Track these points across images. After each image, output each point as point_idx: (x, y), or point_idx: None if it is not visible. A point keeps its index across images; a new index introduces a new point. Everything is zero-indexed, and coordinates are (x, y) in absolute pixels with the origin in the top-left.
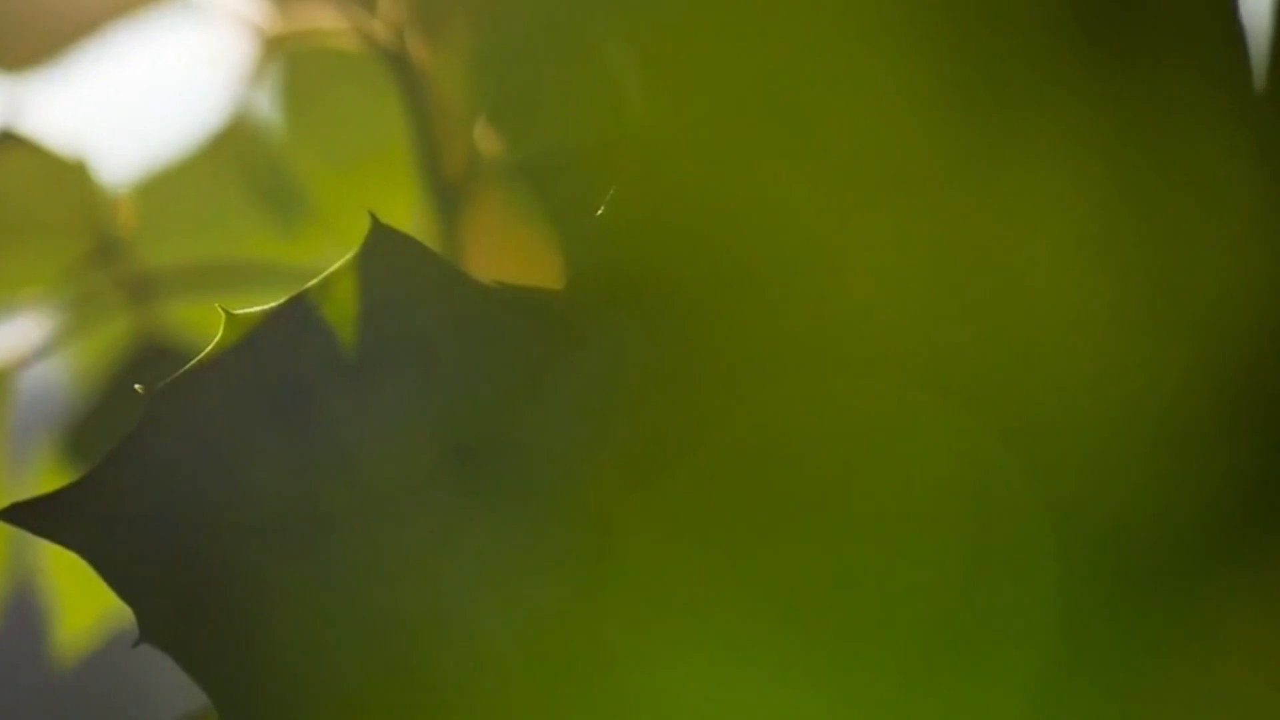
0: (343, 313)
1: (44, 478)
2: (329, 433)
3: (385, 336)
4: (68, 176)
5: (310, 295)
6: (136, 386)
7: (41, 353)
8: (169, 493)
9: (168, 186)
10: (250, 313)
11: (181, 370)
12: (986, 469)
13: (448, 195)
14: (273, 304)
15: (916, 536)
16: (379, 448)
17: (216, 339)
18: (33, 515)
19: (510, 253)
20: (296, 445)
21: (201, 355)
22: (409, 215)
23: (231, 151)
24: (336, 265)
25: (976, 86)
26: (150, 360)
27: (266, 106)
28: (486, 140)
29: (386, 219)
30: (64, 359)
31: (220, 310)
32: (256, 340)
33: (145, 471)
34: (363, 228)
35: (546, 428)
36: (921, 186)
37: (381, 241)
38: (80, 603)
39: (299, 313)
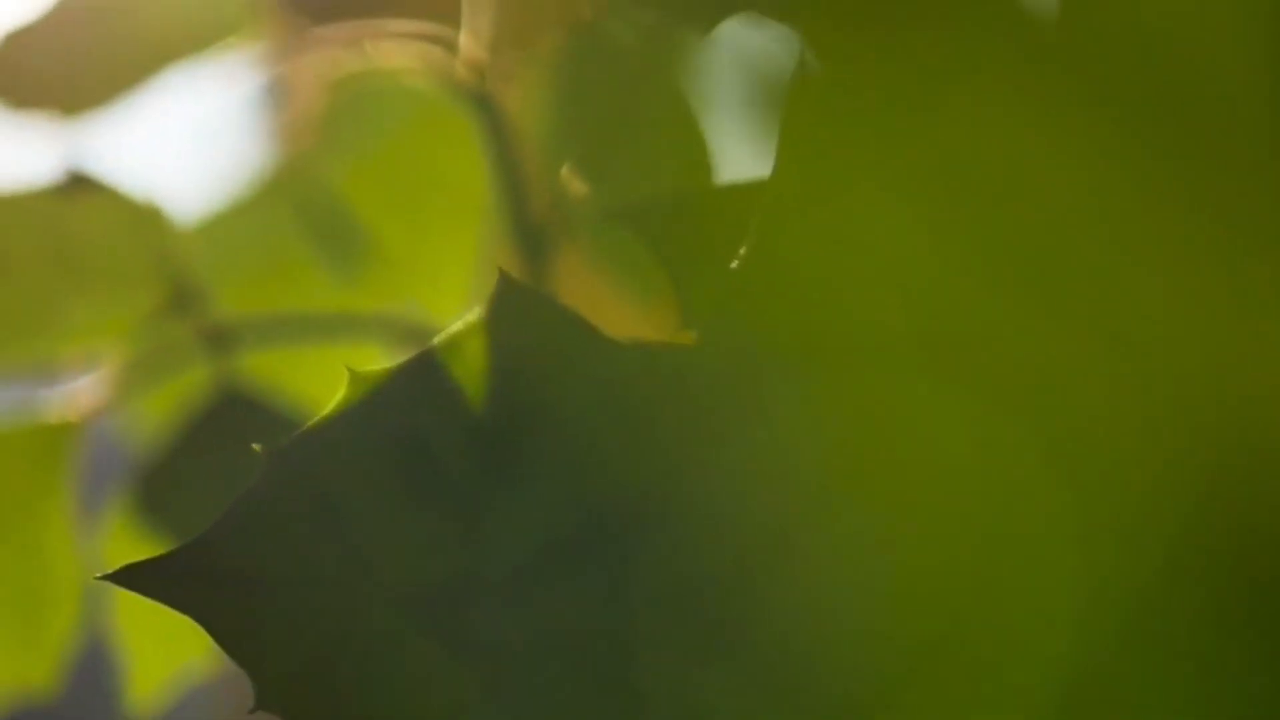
0: (471, 370)
1: (117, 532)
2: (457, 495)
3: (516, 396)
4: (141, 222)
5: (437, 352)
6: (255, 446)
7: (114, 403)
8: (287, 554)
9: (225, 231)
10: (374, 371)
11: (303, 428)
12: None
13: (534, 239)
14: (397, 361)
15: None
16: (511, 513)
17: (339, 397)
18: (145, 577)
19: (598, 300)
20: (423, 508)
21: (324, 413)
22: (474, 261)
23: (292, 194)
24: (464, 321)
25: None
26: (228, 411)
27: (330, 148)
28: (573, 183)
29: (454, 265)
30: (138, 410)
31: (345, 368)
32: (380, 398)
33: (263, 532)
34: (427, 273)
35: (686, 491)
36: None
37: (510, 296)
38: (154, 662)
39: (425, 370)
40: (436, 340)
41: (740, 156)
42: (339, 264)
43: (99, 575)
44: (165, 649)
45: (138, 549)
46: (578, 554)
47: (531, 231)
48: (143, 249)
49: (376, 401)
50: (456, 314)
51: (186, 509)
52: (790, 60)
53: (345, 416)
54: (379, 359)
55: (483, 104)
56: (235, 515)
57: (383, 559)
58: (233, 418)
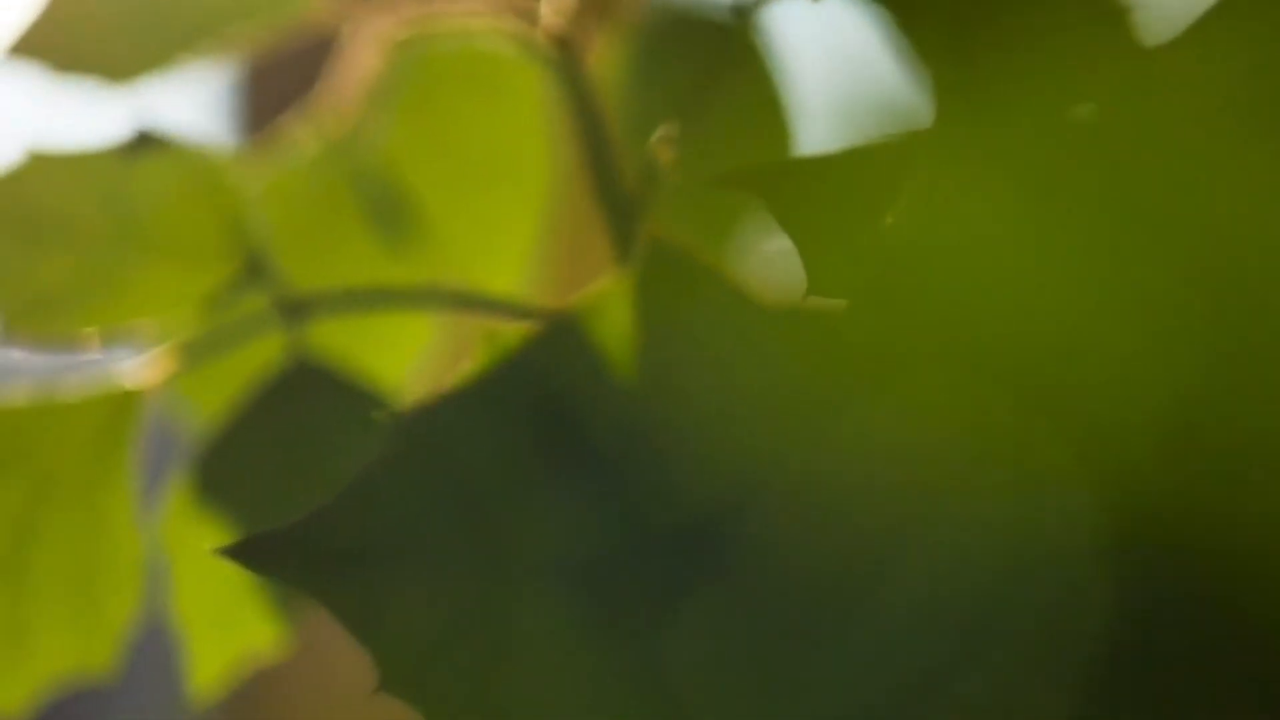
0: (615, 334)
1: (177, 508)
2: (600, 465)
3: (662, 360)
4: (207, 187)
5: (578, 315)
6: (375, 414)
7: (180, 374)
8: (416, 528)
9: (275, 197)
10: (509, 333)
11: (430, 395)
12: None
13: (624, 208)
14: (534, 323)
15: None
16: (656, 483)
17: (472, 361)
18: (260, 552)
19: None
20: (563, 479)
21: (455, 379)
22: (531, 236)
23: (343, 161)
24: (607, 281)
25: None
26: (299, 382)
27: (384, 113)
28: (664, 151)
29: (509, 239)
30: (204, 381)
31: (481, 330)
32: (517, 364)
33: (389, 505)
34: (479, 246)
35: (838, 458)
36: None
37: (659, 258)
38: (216, 645)
39: (565, 334)
40: (577, 302)
41: (820, 126)
42: (387, 233)
43: (217, 549)
44: (228, 632)
45: (199, 526)
46: (722, 526)
47: (621, 200)
48: (211, 215)
49: (513, 367)
50: (510, 289)
51: (254, 483)
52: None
53: (479, 383)
54: (433, 330)
55: (565, 71)
56: (359, 487)
57: (520, 532)
58: (304, 389)
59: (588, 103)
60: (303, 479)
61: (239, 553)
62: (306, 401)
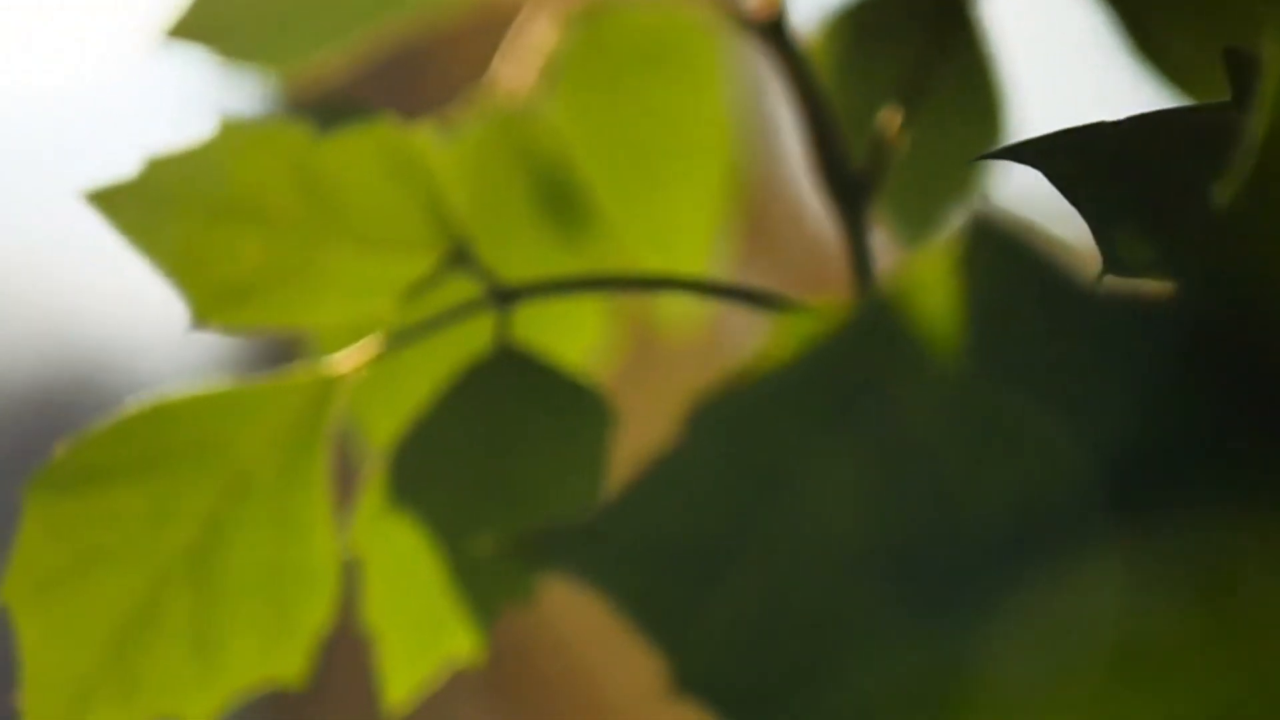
0: (934, 314)
1: (371, 503)
2: (917, 454)
3: (991, 345)
4: (403, 165)
5: (892, 291)
6: (690, 403)
7: (380, 364)
8: (715, 520)
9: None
10: (807, 320)
11: (730, 379)
12: None
13: (854, 188)
14: (841, 302)
15: None
16: (982, 474)
17: (770, 343)
18: (549, 547)
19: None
20: (876, 468)
21: (759, 362)
22: (710, 223)
23: (514, 140)
24: (924, 258)
25: None
26: (506, 370)
27: (558, 91)
28: (892, 129)
29: (687, 226)
30: (401, 370)
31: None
32: (831, 347)
33: (686, 495)
34: (655, 232)
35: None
36: None
37: (987, 236)
38: (412, 653)
39: (883, 315)
40: (895, 281)
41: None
42: (559, 217)
43: (514, 547)
44: (424, 638)
45: (395, 524)
46: (1055, 519)
47: (850, 181)
48: (413, 198)
49: (826, 350)
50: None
51: (454, 477)
52: None
53: (786, 371)
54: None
55: (781, 49)
56: (657, 479)
57: (835, 522)
58: (510, 378)
59: (809, 81)
60: (505, 472)
61: (525, 549)
62: (512, 390)
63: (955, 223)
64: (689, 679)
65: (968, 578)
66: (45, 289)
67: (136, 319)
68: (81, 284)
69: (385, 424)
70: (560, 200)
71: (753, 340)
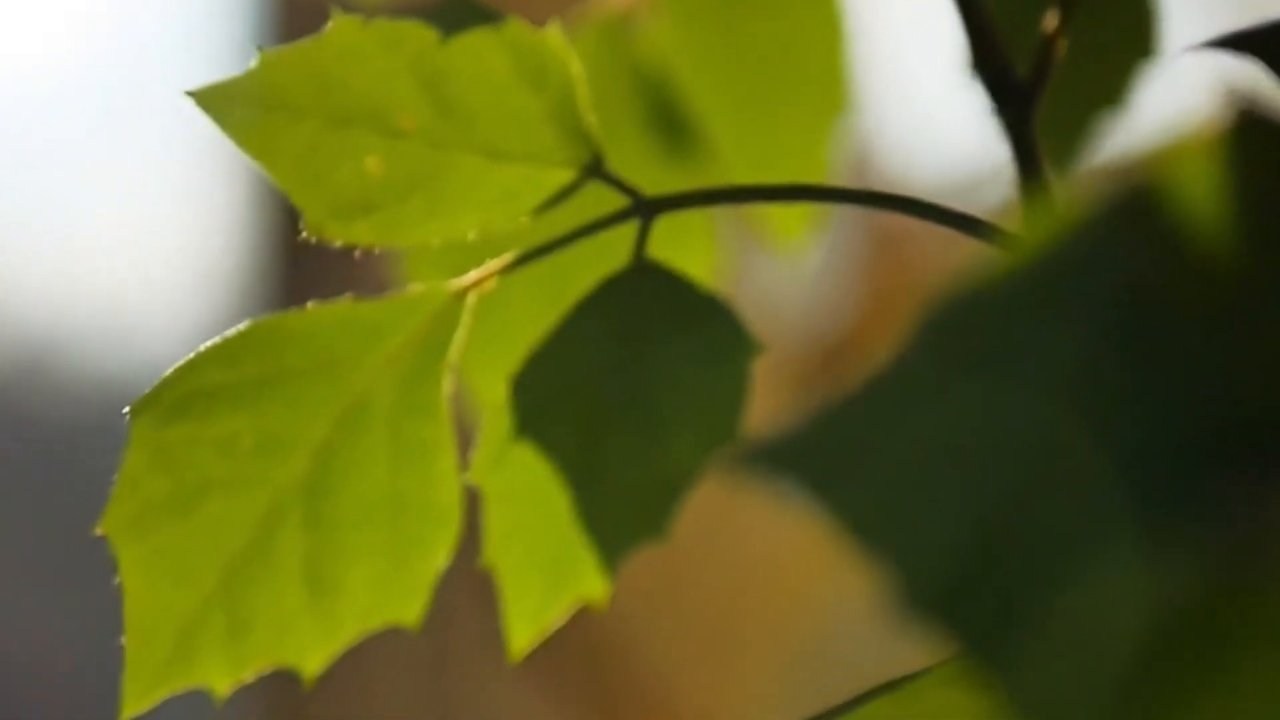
0: (1196, 207)
1: (496, 432)
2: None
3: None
4: (535, 66)
5: (1145, 184)
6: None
7: (511, 281)
8: (945, 428)
9: None
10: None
11: (956, 285)
12: None
13: (1019, 97)
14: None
15: None
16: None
17: (1004, 247)
18: (766, 459)
19: None
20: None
21: (999, 266)
22: (824, 156)
23: (618, 60)
24: (1178, 149)
25: None
26: (643, 286)
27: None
28: (1056, 35)
29: (803, 145)
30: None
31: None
32: (1083, 243)
33: (914, 403)
34: (767, 152)
35: None
36: None
37: (1250, 123)
38: (536, 599)
39: (1141, 209)
40: (1147, 174)
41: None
42: (659, 134)
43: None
44: (551, 579)
45: (520, 456)
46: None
47: (1014, 90)
48: (547, 104)
49: (1072, 247)
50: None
51: (585, 399)
52: None
53: (1030, 264)
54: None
55: None
56: (883, 384)
57: (1087, 428)
58: (646, 293)
59: None
60: (638, 399)
61: (740, 462)
62: (650, 308)
63: (1211, 112)
64: (918, 597)
65: (1215, 497)
66: None
67: (89, 305)
68: (31, 269)
69: (503, 350)
70: (663, 117)
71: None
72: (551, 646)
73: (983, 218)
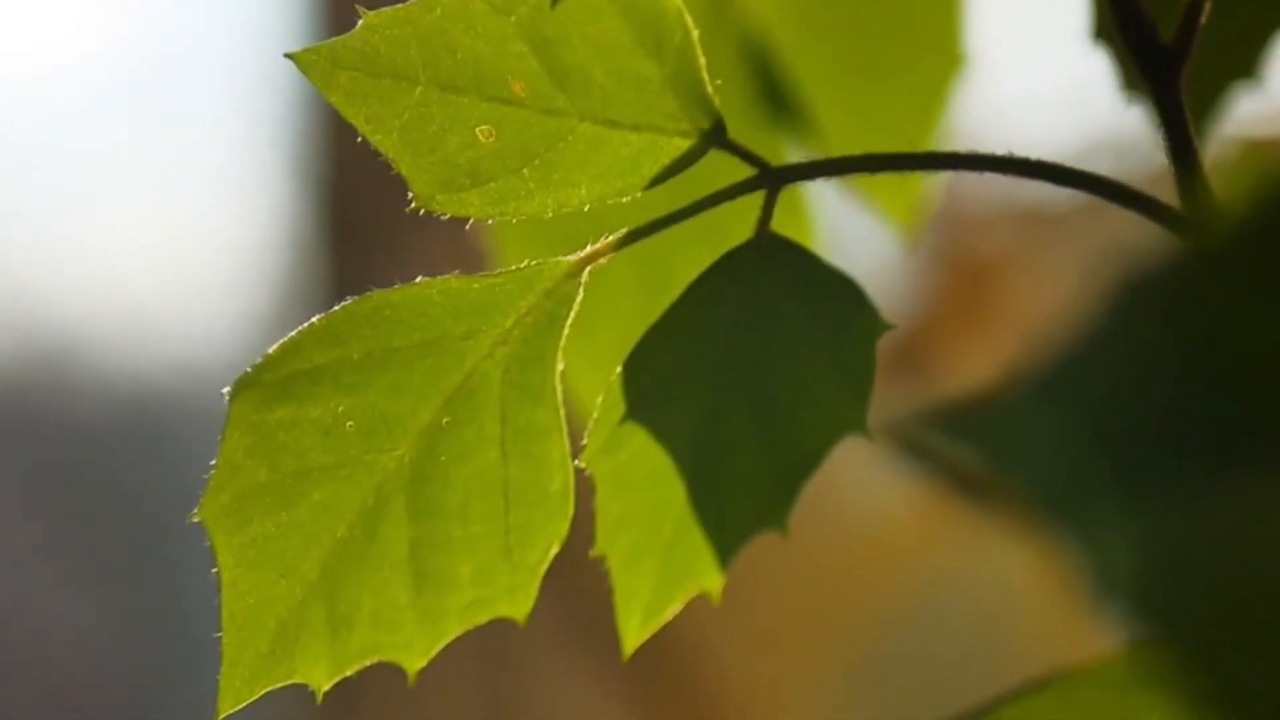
0: None
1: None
2: None
3: None
4: (663, 37)
5: None
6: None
7: (630, 253)
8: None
9: None
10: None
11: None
12: None
13: (1164, 59)
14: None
15: None
16: None
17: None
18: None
19: None
20: None
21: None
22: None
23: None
24: None
25: None
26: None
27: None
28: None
29: (911, 117)
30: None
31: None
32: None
33: (1115, 376)
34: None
35: None
36: None
37: None
38: (646, 592)
39: None
40: None
41: None
42: (760, 103)
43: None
44: (665, 570)
45: (632, 435)
46: None
47: (1159, 52)
48: (660, 67)
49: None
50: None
51: (703, 379)
52: None
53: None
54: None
55: None
56: (1083, 356)
57: None
58: (770, 266)
59: None
60: (759, 379)
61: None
62: (773, 282)
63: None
64: (1109, 584)
65: None
66: (12, 273)
67: (107, 304)
68: (50, 268)
69: (602, 332)
70: (766, 86)
71: None
72: (611, 643)
73: (1131, 186)
